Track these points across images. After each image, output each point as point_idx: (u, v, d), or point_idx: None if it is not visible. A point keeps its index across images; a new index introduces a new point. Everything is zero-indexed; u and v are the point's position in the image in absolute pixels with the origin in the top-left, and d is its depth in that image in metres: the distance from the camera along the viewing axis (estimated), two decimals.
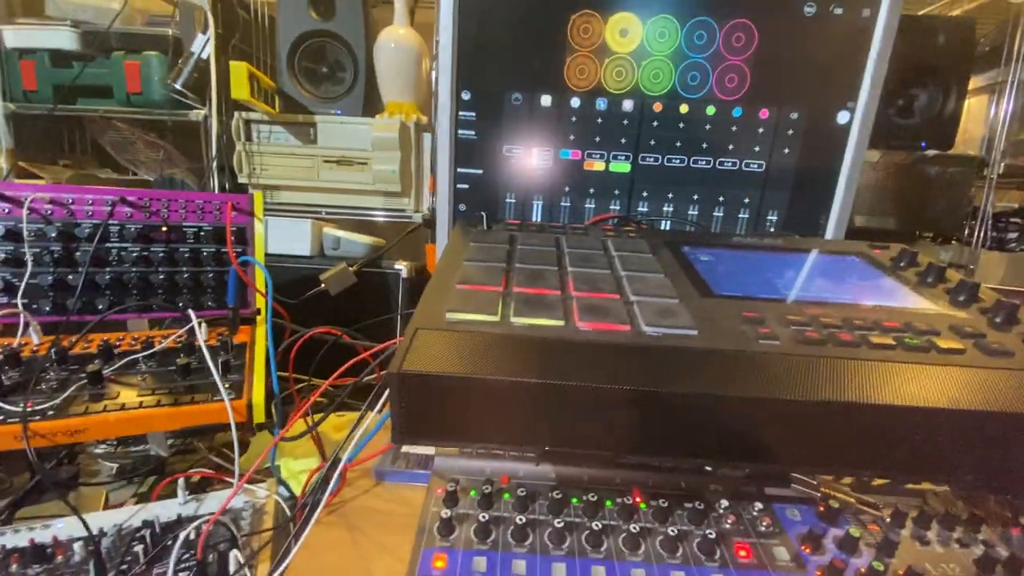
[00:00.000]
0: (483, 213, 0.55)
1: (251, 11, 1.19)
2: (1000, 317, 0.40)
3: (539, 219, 0.71)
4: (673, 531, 0.36)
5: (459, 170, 0.69)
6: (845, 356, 0.34)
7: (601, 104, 0.67)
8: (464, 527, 0.37)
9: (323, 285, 0.88)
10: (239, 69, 0.94)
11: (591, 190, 0.69)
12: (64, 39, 1.12)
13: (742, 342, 0.35)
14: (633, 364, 0.32)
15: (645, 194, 0.69)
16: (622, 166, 0.68)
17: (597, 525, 0.37)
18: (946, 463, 0.31)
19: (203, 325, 0.61)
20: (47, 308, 0.60)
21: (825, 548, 0.36)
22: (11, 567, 0.43)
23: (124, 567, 0.44)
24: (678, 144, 0.67)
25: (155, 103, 1.12)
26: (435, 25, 1.07)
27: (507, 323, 0.35)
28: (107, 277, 0.62)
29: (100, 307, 0.62)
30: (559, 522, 0.36)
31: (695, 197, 0.69)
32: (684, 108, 0.66)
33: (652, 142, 0.67)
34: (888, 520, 0.39)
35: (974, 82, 1.30)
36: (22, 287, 0.57)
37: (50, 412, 0.49)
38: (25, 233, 0.59)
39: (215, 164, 1.07)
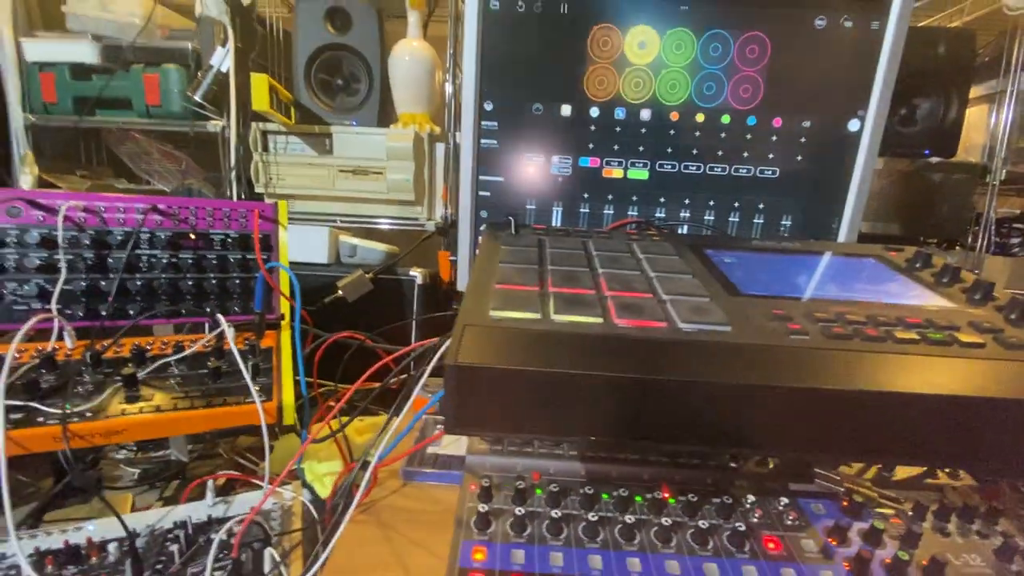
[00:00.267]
0: (511, 217, 0.57)
1: (267, 26, 1.22)
2: (1015, 314, 0.41)
3: (559, 225, 0.72)
4: (703, 524, 0.37)
5: (481, 177, 0.71)
6: (873, 350, 0.36)
7: (620, 113, 0.68)
8: (500, 521, 0.38)
9: (340, 292, 0.89)
10: (260, 81, 0.96)
11: (609, 196, 0.71)
12: (85, 52, 1.14)
13: (773, 337, 0.36)
14: (672, 357, 0.33)
15: (662, 200, 0.71)
16: (640, 173, 0.70)
17: (629, 519, 0.38)
18: (971, 449, 0.32)
19: (231, 329, 0.62)
20: (80, 313, 0.61)
21: (851, 540, 0.38)
22: (46, 568, 0.44)
23: (159, 567, 0.45)
24: (694, 152, 0.69)
25: (173, 115, 1.14)
26: (449, 38, 1.10)
27: (548, 320, 0.37)
28: (138, 283, 0.63)
29: (131, 312, 0.63)
30: (593, 516, 0.38)
31: (711, 203, 0.71)
32: (700, 117, 0.68)
33: (669, 150, 0.69)
34: (910, 514, 0.41)
35: (975, 91, 1.32)
36: (56, 293, 0.59)
37: (88, 414, 0.50)
38: (60, 240, 0.60)
39: (233, 174, 1.09)
